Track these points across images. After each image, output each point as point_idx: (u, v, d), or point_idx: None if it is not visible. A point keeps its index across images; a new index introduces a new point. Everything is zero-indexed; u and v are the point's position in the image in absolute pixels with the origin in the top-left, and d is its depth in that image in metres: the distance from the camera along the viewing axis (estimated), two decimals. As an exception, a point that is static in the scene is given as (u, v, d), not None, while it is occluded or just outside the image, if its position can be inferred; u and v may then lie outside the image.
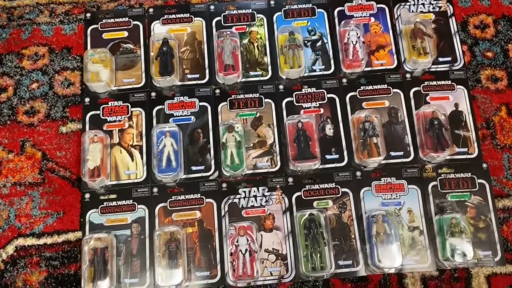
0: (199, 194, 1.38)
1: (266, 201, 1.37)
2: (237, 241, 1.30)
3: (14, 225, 1.36)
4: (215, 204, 1.37)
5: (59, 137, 1.43)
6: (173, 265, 1.28)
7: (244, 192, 1.38)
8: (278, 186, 1.38)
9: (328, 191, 1.37)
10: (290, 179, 1.38)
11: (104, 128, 1.42)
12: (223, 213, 1.36)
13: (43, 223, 1.36)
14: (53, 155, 1.42)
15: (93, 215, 1.36)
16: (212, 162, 1.40)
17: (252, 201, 1.37)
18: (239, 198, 1.37)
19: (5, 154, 1.42)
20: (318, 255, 1.28)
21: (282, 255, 1.32)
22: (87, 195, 1.38)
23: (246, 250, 1.29)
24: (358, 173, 1.39)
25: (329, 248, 1.29)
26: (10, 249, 1.34)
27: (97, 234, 1.31)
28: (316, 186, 1.37)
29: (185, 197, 1.38)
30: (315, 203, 1.36)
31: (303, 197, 1.37)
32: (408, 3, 1.53)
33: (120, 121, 1.44)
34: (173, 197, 1.38)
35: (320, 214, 1.33)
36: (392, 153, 1.39)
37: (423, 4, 1.53)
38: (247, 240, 1.30)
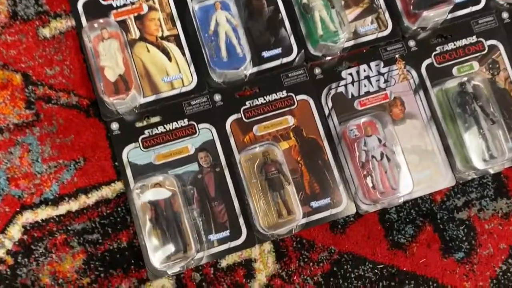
0: (284, 92, 0.91)
1: (386, 80, 0.93)
2: (365, 145, 0.88)
3: (9, 194, 0.86)
4: (311, 101, 0.91)
5: (42, 46, 0.90)
6: (280, 198, 0.85)
7: (351, 74, 0.93)
8: (397, 55, 0.93)
9: (469, 49, 0.94)
10: (411, 43, 0.93)
11: (112, 18, 0.91)
12: (327, 111, 0.91)
13: (57, 181, 0.87)
14: (41, 75, 0.89)
15: (133, 153, 0.88)
16: (292, 39, 0.92)
17: (365, 85, 0.93)
18: (345, 85, 0.92)
19: (-38, 88, 0.89)
20: (483, 139, 0.89)
21: (427, 153, 0.91)
22: (115, 126, 0.89)
23: (381, 154, 0.87)
24: (505, 15, 0.96)
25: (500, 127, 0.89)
26: (15, 231, 0.85)
27: (152, 179, 0.85)
28: (451, 45, 0.94)
29: (264, 99, 0.91)
30: (454, 70, 0.93)
31: (436, 64, 0.93)
32: None
33: (133, 3, 0.92)
34: (247, 103, 0.91)
35: (467, 82, 0.91)
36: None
37: None
38: (379, 141, 0.88)
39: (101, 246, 0.85)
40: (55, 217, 0.85)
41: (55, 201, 0.86)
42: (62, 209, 0.86)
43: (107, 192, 0.87)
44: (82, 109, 0.89)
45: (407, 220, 0.88)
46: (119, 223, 0.85)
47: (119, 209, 0.86)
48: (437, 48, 0.93)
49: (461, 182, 0.89)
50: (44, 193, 0.86)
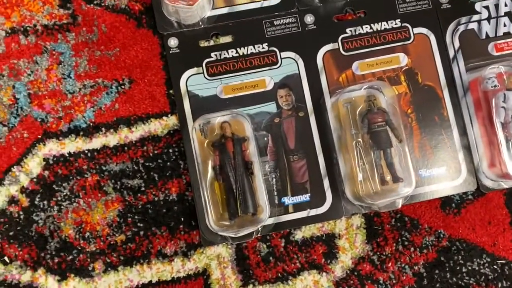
0: (398, 21, 0.69)
1: (534, 20, 0.71)
2: (504, 100, 0.66)
3: (30, 115, 0.66)
4: (432, 37, 0.69)
5: None
6: (385, 159, 0.64)
7: (487, 8, 0.69)
8: (552, -11, 0.71)
9: None
10: None
11: None
12: (452, 53, 0.69)
13: (92, 106, 0.67)
14: (83, -34, 0.69)
15: (194, 80, 0.67)
16: (415, -47, 0.70)
17: (505, 24, 0.70)
18: (479, 21, 0.70)
19: (-22, -30, 0.68)
20: None
21: None
22: (173, 42, 0.68)
23: (526, 117, 0.66)
24: None
25: None
26: (34, 165, 0.65)
27: (218, 116, 0.65)
28: None
29: (371, 27, 0.70)
30: None
31: None
32: None
33: None
34: (348, 30, 0.69)
35: None
36: None
37: None
38: (523, 98, 0.67)
39: (143, 196, 0.65)
40: (86, 151, 0.65)
41: (88, 132, 0.66)
42: (97, 142, 0.66)
43: (156, 126, 0.66)
44: (132, 16, 0.68)
45: (543, 206, 0.68)
46: (169, 168, 0.65)
47: (170, 150, 0.66)
48: None
49: None
50: (75, 119, 0.66)
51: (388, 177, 0.64)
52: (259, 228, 0.64)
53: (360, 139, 0.64)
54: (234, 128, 0.64)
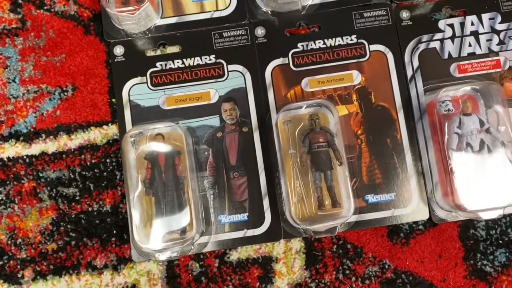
0: (354, 37, 0.66)
1: (501, 42, 0.65)
2: (459, 126, 0.62)
3: (-26, 118, 0.67)
4: (390, 55, 0.65)
5: None
6: (325, 181, 0.61)
7: (451, 26, 0.66)
8: (523, 8, 0.66)
9: None
10: (549, -7, 0.66)
11: None
12: (410, 72, 0.65)
13: (34, 112, 0.67)
14: (36, -29, 0.69)
15: (137, 90, 0.66)
16: (376, -34, 0.67)
17: (470, 44, 0.66)
18: (442, 40, 0.66)
19: None
20: None
21: (545, 152, 0.64)
22: (119, 50, 0.67)
23: (481, 143, 0.61)
24: None
25: None
26: (-26, 167, 0.66)
27: (154, 127, 0.63)
28: None
29: (324, 43, 0.67)
30: None
31: None
32: None
33: None
34: (299, 45, 0.66)
35: None
36: None
37: None
38: (481, 124, 0.62)
39: (77, 205, 0.64)
40: (25, 157, 0.65)
41: (29, 137, 0.65)
42: (36, 148, 0.65)
43: (96, 135, 0.65)
44: (80, 23, 0.67)
45: (500, 242, 0.62)
46: (105, 179, 0.64)
47: (107, 160, 0.65)
48: None
49: None
50: (16, 124, 0.65)
51: (327, 201, 0.60)
52: (192, 247, 0.62)
53: (298, 159, 0.61)
54: (169, 141, 0.62)
